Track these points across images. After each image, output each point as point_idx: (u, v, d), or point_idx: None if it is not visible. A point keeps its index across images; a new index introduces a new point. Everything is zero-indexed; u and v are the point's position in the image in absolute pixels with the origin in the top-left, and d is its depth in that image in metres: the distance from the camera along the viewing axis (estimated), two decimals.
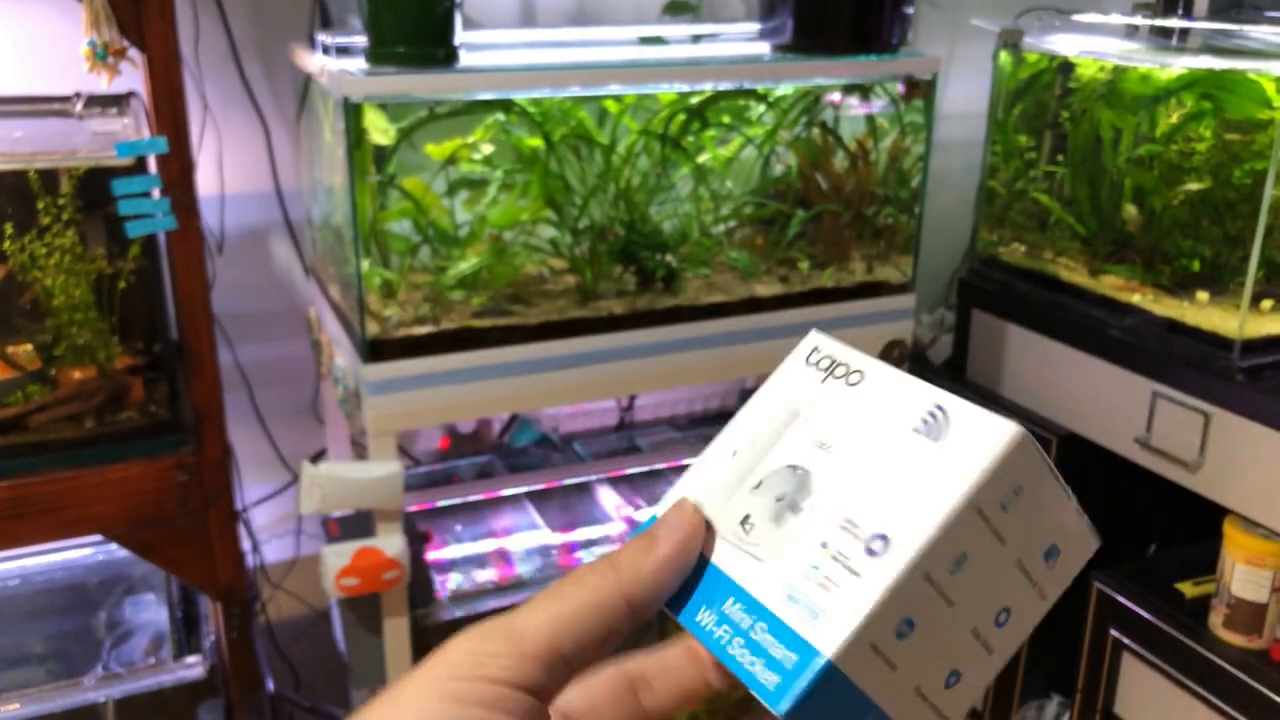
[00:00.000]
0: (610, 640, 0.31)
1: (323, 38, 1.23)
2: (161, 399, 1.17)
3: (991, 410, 0.32)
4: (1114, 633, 1.48)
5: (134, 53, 1.06)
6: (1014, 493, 0.31)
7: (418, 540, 1.39)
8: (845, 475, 0.32)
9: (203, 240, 1.12)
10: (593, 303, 1.31)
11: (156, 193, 1.08)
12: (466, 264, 1.26)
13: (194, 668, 1.23)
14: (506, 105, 1.22)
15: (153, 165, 1.09)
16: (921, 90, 1.40)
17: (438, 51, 1.17)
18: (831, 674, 0.29)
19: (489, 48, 1.36)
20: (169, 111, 1.07)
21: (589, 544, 1.48)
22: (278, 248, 1.54)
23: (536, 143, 1.25)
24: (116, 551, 1.37)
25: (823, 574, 0.31)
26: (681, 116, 1.31)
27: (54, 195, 1.08)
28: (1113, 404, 1.49)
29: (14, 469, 1.09)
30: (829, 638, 0.29)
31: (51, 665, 1.27)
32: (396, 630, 1.25)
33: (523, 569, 1.40)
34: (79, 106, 1.22)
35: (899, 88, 1.42)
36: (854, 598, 0.30)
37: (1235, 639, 1.35)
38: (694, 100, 1.31)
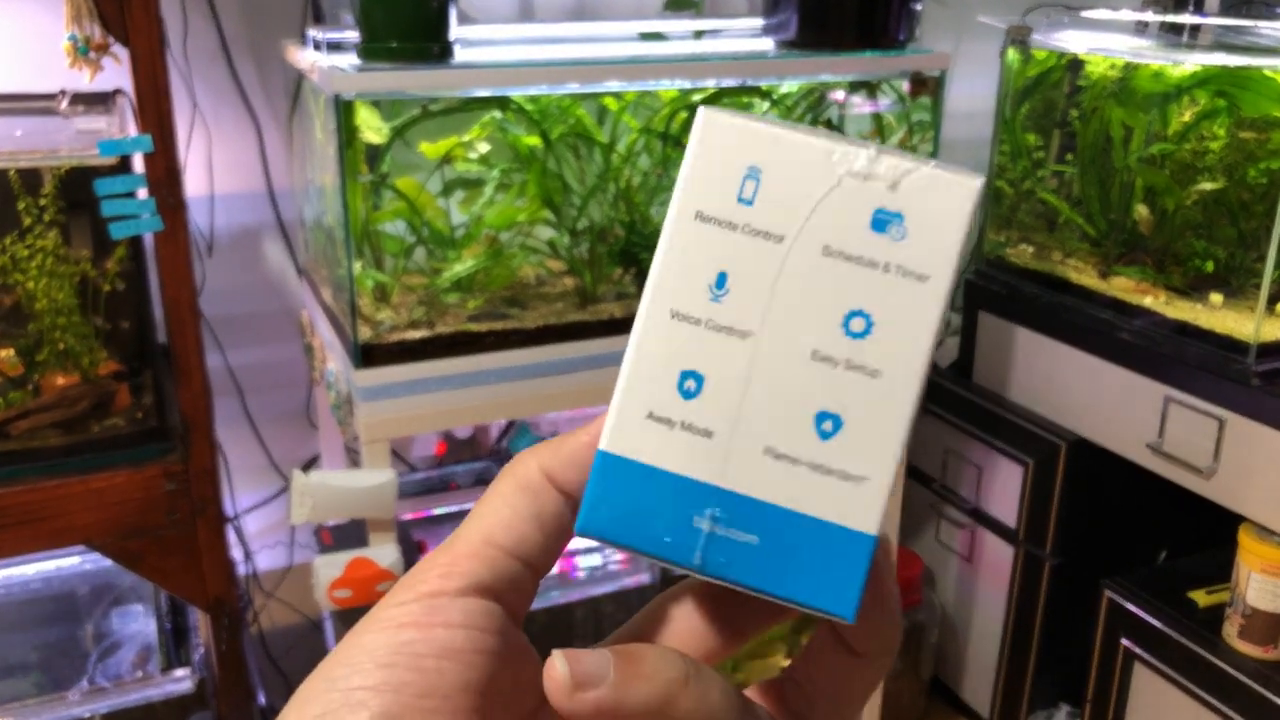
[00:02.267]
0: (545, 522, 0.26)
1: (314, 33, 1.20)
2: (148, 405, 1.14)
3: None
4: (1125, 642, 1.45)
5: (120, 49, 1.03)
6: None
7: (412, 550, 1.35)
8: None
9: (190, 242, 1.09)
10: (592, 306, 1.28)
11: (142, 193, 1.05)
12: (462, 266, 1.23)
13: (183, 681, 1.20)
14: (503, 103, 1.19)
15: (140, 164, 1.06)
16: (929, 88, 1.37)
17: (432, 47, 1.13)
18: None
19: (485, 43, 1.33)
20: (154, 109, 1.03)
21: (587, 551, 1.45)
22: (270, 249, 1.51)
23: (534, 141, 1.22)
24: (103, 560, 1.34)
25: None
26: (683, 114, 1.28)
27: (36, 195, 1.05)
28: (1124, 409, 1.46)
29: None
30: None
31: (37, 677, 1.24)
32: None
33: None
34: (64, 104, 1.19)
35: (904, 85, 1.39)
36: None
37: (1250, 649, 1.32)
38: (696, 98, 1.28)
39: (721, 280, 0.24)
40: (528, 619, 0.28)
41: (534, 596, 0.27)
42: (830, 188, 0.24)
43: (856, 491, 0.23)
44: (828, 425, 0.24)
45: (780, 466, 0.24)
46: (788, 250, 0.24)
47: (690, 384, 0.24)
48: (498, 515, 0.26)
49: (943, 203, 0.23)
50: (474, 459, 1.63)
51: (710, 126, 0.24)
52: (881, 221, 0.23)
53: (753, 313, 0.24)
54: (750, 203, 0.24)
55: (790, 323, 0.24)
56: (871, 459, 0.23)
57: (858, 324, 0.23)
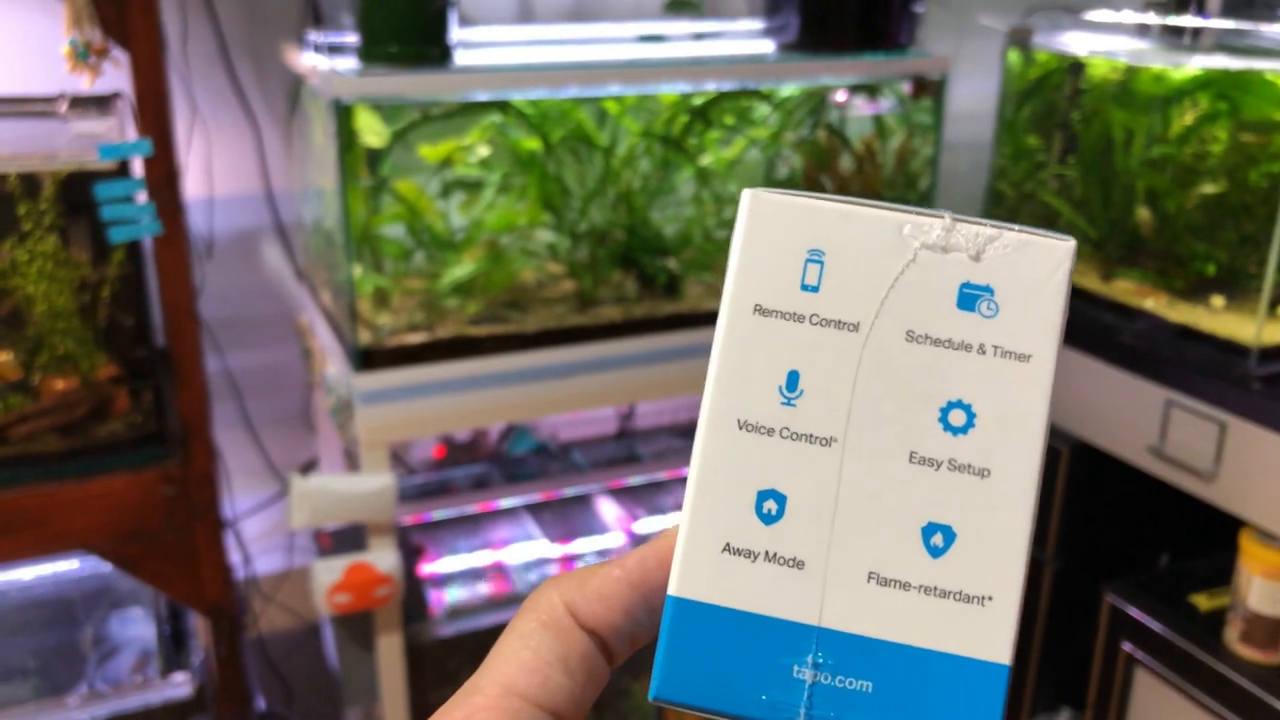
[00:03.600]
0: (573, 665, 0.23)
1: (314, 36, 1.20)
2: (147, 409, 1.13)
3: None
4: (1126, 646, 1.44)
5: (119, 53, 1.03)
6: None
7: (411, 554, 1.35)
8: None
9: (188, 246, 1.09)
10: (592, 309, 1.28)
11: (142, 197, 1.05)
12: (462, 270, 1.22)
13: (181, 686, 1.19)
14: (503, 106, 1.19)
15: (139, 168, 1.05)
16: (930, 90, 1.37)
17: (432, 50, 1.13)
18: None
19: (484, 45, 1.32)
20: (153, 112, 1.03)
21: (588, 556, 1.45)
22: (269, 252, 1.50)
23: (534, 144, 1.21)
24: (102, 564, 1.33)
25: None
26: (683, 117, 1.27)
27: (35, 199, 1.05)
28: (1125, 412, 1.46)
29: None
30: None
31: (35, 682, 1.24)
32: (389, 648, 1.21)
33: (520, 583, 1.37)
34: (63, 107, 1.19)
35: (905, 88, 1.38)
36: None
37: (1252, 654, 1.31)
38: (696, 101, 1.27)
39: (793, 381, 0.21)
40: None
41: None
42: (906, 264, 0.21)
43: (981, 615, 0.20)
44: (938, 539, 0.21)
45: (888, 595, 0.21)
46: (865, 339, 0.21)
47: (770, 506, 0.21)
48: (518, 658, 0.23)
49: (1034, 270, 0.21)
50: (473, 461, 1.63)
51: (760, 209, 0.22)
52: (969, 297, 0.21)
53: (834, 415, 0.21)
54: (816, 289, 0.21)
55: (879, 423, 0.21)
56: (993, 574, 0.20)
57: (957, 417, 0.21)
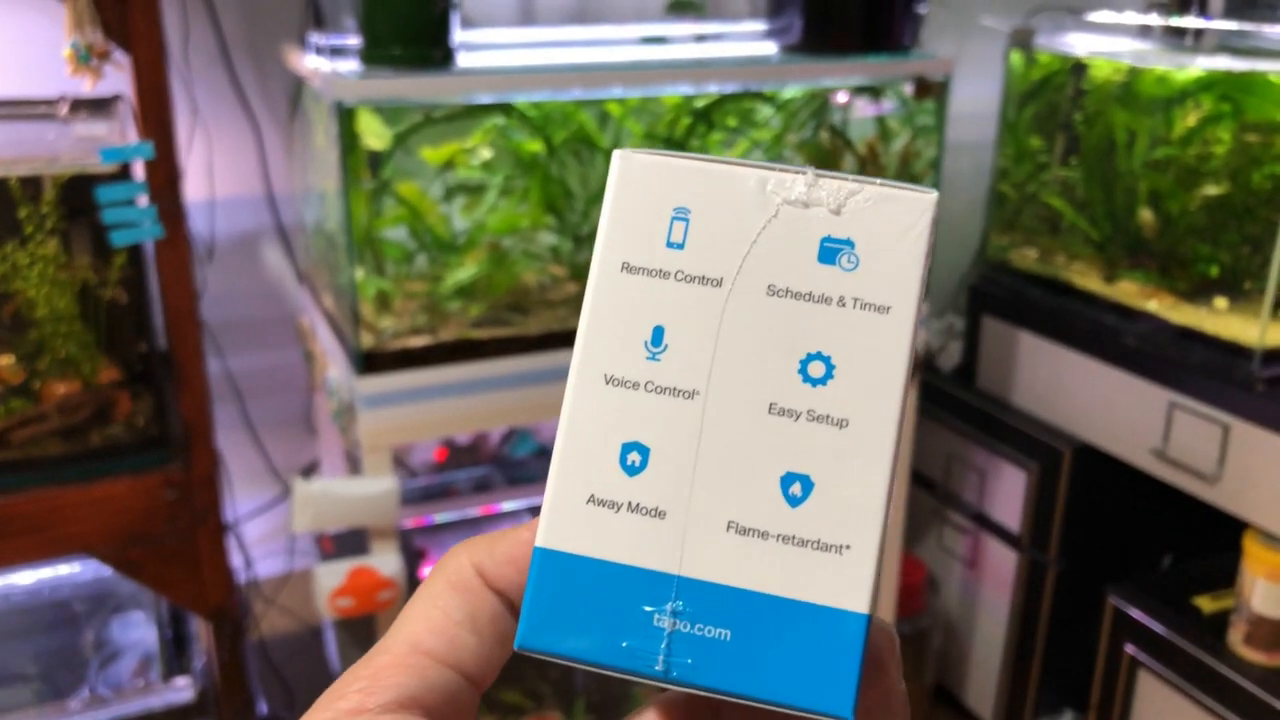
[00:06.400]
0: (481, 625, 0.23)
1: (315, 38, 1.19)
2: (148, 413, 1.13)
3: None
4: (1129, 648, 1.44)
5: (120, 55, 1.02)
6: None
7: (413, 557, 1.35)
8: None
9: (190, 249, 1.08)
10: None
11: (143, 200, 1.04)
12: (464, 272, 1.22)
13: (183, 690, 1.19)
14: (505, 108, 1.18)
15: (140, 171, 1.05)
16: (933, 92, 1.36)
17: (434, 52, 1.13)
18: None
19: (487, 48, 1.32)
20: (155, 115, 1.03)
21: None
22: (270, 255, 1.50)
23: (536, 147, 1.21)
24: (104, 568, 1.33)
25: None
26: (686, 119, 1.27)
27: (36, 203, 1.04)
28: (1128, 414, 1.45)
29: None
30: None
31: (37, 686, 1.23)
32: None
33: None
34: (64, 110, 1.18)
35: (907, 89, 1.38)
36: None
37: (1256, 656, 1.31)
38: (699, 103, 1.27)
39: (658, 336, 0.21)
40: None
41: (475, 714, 0.23)
42: (768, 219, 0.21)
43: (839, 564, 0.20)
44: (796, 489, 0.21)
45: (746, 543, 0.21)
46: (727, 295, 0.21)
47: (634, 458, 0.21)
48: (426, 619, 0.23)
49: (895, 223, 0.21)
50: (474, 465, 1.63)
51: (628, 168, 0.22)
52: (830, 251, 0.21)
53: (696, 369, 0.21)
54: (681, 246, 0.22)
55: (739, 376, 0.21)
56: (852, 523, 0.20)
57: (816, 369, 0.21)
